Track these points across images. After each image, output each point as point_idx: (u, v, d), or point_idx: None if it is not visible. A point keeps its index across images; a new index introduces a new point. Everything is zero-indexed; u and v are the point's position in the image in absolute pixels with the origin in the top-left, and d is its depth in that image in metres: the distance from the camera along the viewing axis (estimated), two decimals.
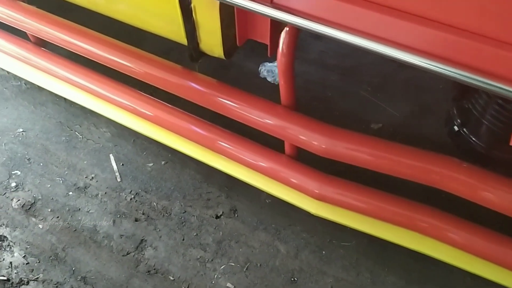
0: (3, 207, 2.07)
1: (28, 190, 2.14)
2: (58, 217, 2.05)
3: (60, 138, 2.37)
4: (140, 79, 1.89)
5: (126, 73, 1.92)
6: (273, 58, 2.71)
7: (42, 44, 2.23)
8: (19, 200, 2.10)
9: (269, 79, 2.68)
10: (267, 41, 1.43)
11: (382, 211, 1.64)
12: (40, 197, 2.12)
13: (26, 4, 2.05)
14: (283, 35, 1.43)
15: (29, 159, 2.27)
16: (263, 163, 1.80)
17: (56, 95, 2.51)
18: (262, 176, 1.89)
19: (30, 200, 2.11)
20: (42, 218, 2.04)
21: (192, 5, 1.64)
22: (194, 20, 1.70)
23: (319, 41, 2.87)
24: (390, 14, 1.12)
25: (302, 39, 2.49)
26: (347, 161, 1.53)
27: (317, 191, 1.66)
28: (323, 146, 1.51)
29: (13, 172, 2.21)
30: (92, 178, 2.20)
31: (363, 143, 1.49)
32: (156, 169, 2.25)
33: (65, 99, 2.52)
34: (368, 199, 1.63)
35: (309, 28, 1.17)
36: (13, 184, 2.16)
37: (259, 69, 2.68)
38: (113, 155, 2.30)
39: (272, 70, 2.67)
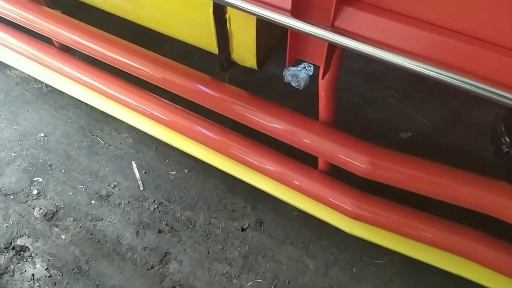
0: (25, 216, 2.03)
1: (50, 198, 2.10)
2: (80, 227, 2.01)
3: (81, 144, 2.32)
4: (170, 90, 1.83)
5: (152, 82, 1.86)
6: (297, 63, 2.66)
7: (65, 49, 2.17)
8: (41, 208, 2.06)
9: (293, 84, 2.61)
10: (320, 63, 1.35)
11: (417, 231, 1.57)
12: (62, 206, 2.08)
13: (50, 9, 1.99)
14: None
15: (50, 165, 2.23)
16: (294, 178, 1.74)
17: (77, 98, 2.46)
18: (291, 190, 1.82)
19: (52, 208, 2.07)
20: (64, 228, 2.01)
21: (227, 15, 1.58)
22: (227, 30, 1.64)
23: None
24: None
25: None
26: (389, 183, 1.46)
27: (352, 210, 1.60)
28: (364, 167, 1.44)
29: (34, 179, 2.18)
30: (115, 186, 2.16)
31: (408, 165, 1.42)
32: (179, 177, 2.20)
33: (86, 103, 2.47)
34: (405, 219, 1.57)
35: (373, 54, 1.08)
36: (35, 192, 2.12)
37: (283, 73, 2.61)
38: (135, 162, 2.25)
39: (297, 75, 2.60)
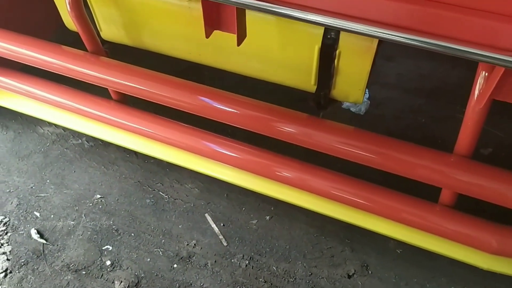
0: None
1: (127, 268, 1.88)
2: None
3: (144, 201, 2.11)
4: (265, 134, 1.66)
5: (240, 127, 1.69)
6: None
7: (122, 100, 1.97)
8: (121, 281, 1.84)
9: (352, 109, 2.49)
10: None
11: None
12: (143, 275, 1.86)
13: (112, 60, 1.80)
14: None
15: (117, 230, 2.01)
16: (414, 214, 1.59)
17: (125, 150, 2.27)
18: (403, 227, 1.67)
19: (133, 279, 1.85)
20: None
21: (337, 51, 1.44)
22: (334, 66, 1.51)
23: (391, 62, 2.70)
24: None
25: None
26: None
27: (498, 246, 1.46)
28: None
29: (103, 248, 1.95)
30: (195, 244, 1.95)
31: None
32: (262, 226, 2.02)
33: (136, 154, 2.28)
34: None
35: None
36: (108, 263, 1.90)
37: None
38: (209, 214, 2.06)
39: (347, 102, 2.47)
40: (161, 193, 2.14)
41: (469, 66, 2.68)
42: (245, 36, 1.32)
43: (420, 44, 0.99)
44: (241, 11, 1.22)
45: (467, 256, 1.59)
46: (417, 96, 2.50)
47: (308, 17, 1.03)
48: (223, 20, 1.24)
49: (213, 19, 1.25)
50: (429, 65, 2.66)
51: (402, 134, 2.34)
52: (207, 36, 1.28)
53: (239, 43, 1.28)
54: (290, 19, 1.06)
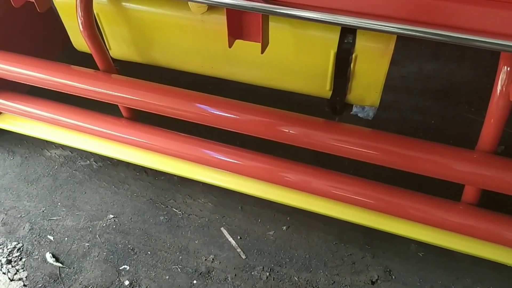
0: None
1: (147, 287, 1.85)
2: None
3: (158, 219, 2.08)
4: (282, 142, 1.64)
5: (256, 135, 1.67)
6: None
7: (133, 118, 1.95)
8: None
9: (360, 115, 2.45)
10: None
11: None
12: None
13: (121, 76, 1.78)
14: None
15: (133, 249, 1.98)
16: (439, 215, 1.57)
17: (134, 169, 2.25)
18: (428, 228, 1.65)
19: None
20: None
21: (353, 55, 1.44)
22: (350, 70, 1.50)
23: (394, 65, 2.69)
24: None
25: None
26: None
27: None
28: None
29: (121, 268, 1.92)
30: (213, 259, 1.92)
31: None
32: (279, 237, 1.99)
33: (146, 172, 2.25)
34: None
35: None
36: (127, 283, 1.86)
37: None
38: (224, 228, 2.03)
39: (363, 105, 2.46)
40: (174, 209, 2.11)
41: (474, 65, 2.70)
42: (268, 43, 1.31)
43: (441, 38, 0.98)
44: (265, 19, 1.21)
45: (494, 254, 1.57)
46: (424, 97, 2.49)
47: (336, 19, 1.02)
48: (247, 28, 1.23)
49: (237, 28, 1.24)
50: (433, 66, 2.66)
51: (413, 136, 2.28)
52: (230, 46, 1.27)
53: (262, 51, 1.27)
54: (316, 22, 1.05)
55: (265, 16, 1.22)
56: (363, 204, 1.68)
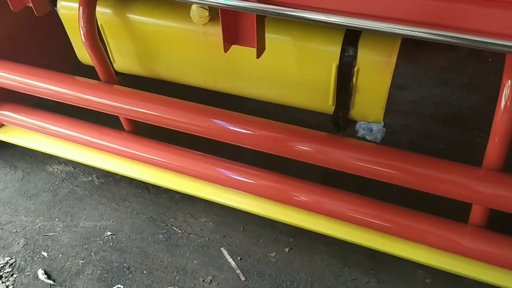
0: None
1: None
2: None
3: (156, 237, 2.02)
4: (285, 156, 1.60)
5: (259, 149, 1.63)
6: None
7: (135, 131, 1.92)
8: None
9: (368, 137, 2.42)
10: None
11: None
12: None
13: (123, 87, 1.76)
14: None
15: (128, 268, 1.91)
16: (443, 237, 1.49)
17: (136, 186, 2.21)
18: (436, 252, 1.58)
19: None
20: None
21: (355, 68, 1.40)
22: (352, 84, 1.46)
23: (404, 90, 2.66)
24: None
25: None
26: None
27: None
28: None
29: (114, 287, 1.84)
30: (211, 280, 1.85)
31: None
32: (281, 259, 1.91)
33: (148, 189, 2.21)
34: None
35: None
36: None
37: (356, 128, 2.42)
38: (225, 248, 1.96)
39: (370, 128, 2.41)
40: (174, 228, 2.06)
41: (483, 92, 2.66)
42: (264, 49, 1.29)
43: (449, 39, 0.95)
44: (260, 23, 1.19)
45: (505, 280, 1.48)
46: (433, 122, 2.45)
47: (329, 18, 0.99)
48: (242, 33, 1.21)
49: (232, 33, 1.22)
50: (442, 92, 2.62)
51: None
52: (226, 51, 1.24)
53: (258, 56, 1.25)
54: (312, 22, 1.03)
55: (260, 20, 1.19)
56: (368, 224, 1.61)
